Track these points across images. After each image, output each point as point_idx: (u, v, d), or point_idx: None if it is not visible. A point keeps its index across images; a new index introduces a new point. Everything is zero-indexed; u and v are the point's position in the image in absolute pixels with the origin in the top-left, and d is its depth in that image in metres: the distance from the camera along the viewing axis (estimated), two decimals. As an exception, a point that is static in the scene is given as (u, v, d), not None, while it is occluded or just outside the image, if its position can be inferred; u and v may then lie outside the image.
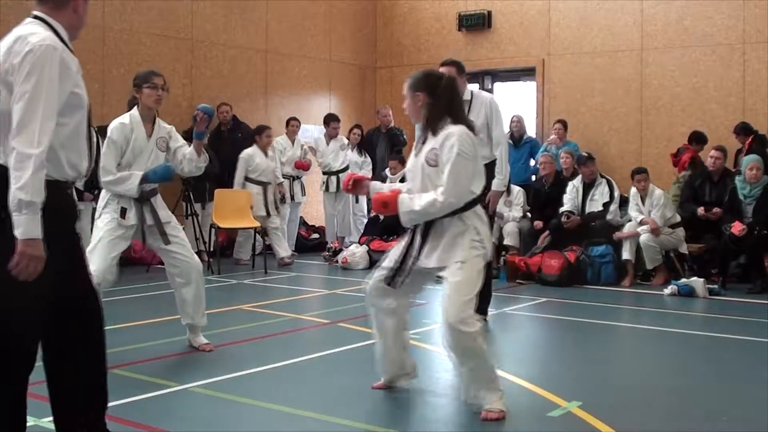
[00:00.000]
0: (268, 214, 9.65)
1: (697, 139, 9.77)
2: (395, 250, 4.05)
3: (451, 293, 3.76)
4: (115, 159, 4.98)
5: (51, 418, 3.65)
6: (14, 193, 2.59)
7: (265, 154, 9.70)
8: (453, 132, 3.82)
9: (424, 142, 3.96)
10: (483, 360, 3.82)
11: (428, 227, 3.90)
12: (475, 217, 3.89)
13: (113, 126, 5.03)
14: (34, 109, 2.66)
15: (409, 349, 4.34)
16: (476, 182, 3.86)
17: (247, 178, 9.62)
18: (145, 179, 4.97)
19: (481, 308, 5.54)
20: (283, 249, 9.64)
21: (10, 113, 2.71)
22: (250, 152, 9.60)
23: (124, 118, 5.06)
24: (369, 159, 10.93)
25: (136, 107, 5.09)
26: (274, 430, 3.68)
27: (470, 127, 3.94)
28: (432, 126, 3.91)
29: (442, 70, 5.39)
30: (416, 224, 3.93)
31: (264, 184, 9.61)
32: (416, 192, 3.93)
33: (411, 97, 3.98)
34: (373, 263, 9.43)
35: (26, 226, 2.58)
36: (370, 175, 10.71)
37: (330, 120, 10.85)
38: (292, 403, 4.02)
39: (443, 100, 3.92)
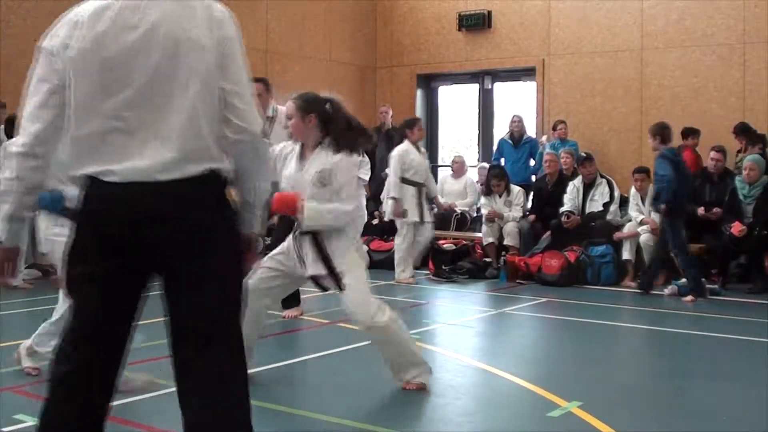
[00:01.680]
0: (422, 220, 8.52)
1: (690, 132, 9.79)
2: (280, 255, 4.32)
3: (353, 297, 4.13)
4: None
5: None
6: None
7: (418, 149, 8.50)
8: (341, 158, 4.12)
9: (302, 158, 4.20)
10: (403, 346, 4.23)
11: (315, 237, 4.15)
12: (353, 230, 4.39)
13: None
14: None
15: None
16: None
17: (401, 178, 8.37)
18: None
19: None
20: (402, 269, 8.48)
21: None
22: (404, 148, 8.37)
23: None
24: (367, 159, 10.90)
25: None
26: (274, 430, 3.68)
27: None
28: (326, 146, 4.15)
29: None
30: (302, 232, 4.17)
31: (419, 185, 8.43)
32: None
33: (301, 118, 4.18)
34: (372, 263, 9.44)
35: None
36: (368, 176, 10.70)
37: None
38: (292, 403, 4.02)
39: (340, 123, 4.19)
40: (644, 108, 10.91)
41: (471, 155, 12.91)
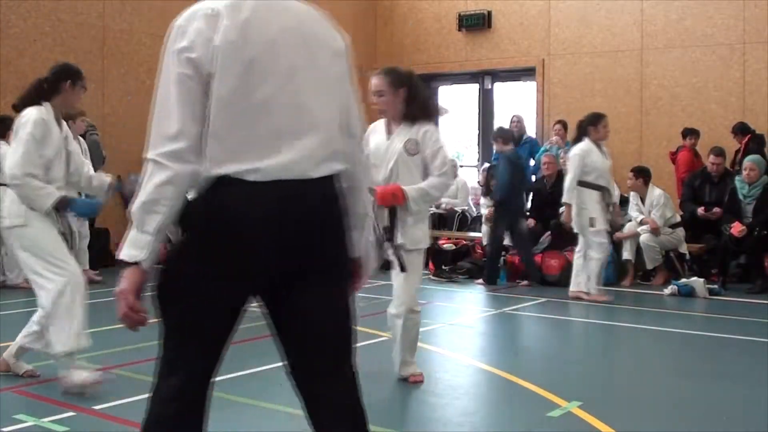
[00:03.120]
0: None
1: (689, 132, 9.80)
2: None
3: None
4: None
5: (51, 418, 3.66)
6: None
7: (600, 149, 7.47)
8: (430, 128, 4.30)
9: (389, 132, 4.36)
10: (415, 340, 4.58)
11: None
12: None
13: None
14: None
15: None
16: None
17: (581, 182, 7.39)
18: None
19: None
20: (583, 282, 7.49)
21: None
22: (586, 147, 7.35)
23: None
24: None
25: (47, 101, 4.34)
26: (274, 430, 3.68)
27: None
28: (409, 119, 4.29)
29: None
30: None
31: (603, 189, 7.40)
32: (386, 172, 4.32)
33: (393, 93, 4.25)
34: (373, 263, 9.43)
35: None
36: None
37: None
38: (292, 403, 4.01)
39: (421, 95, 4.34)
40: (644, 108, 10.92)
41: (471, 155, 12.91)
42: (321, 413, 2.26)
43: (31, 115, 4.18)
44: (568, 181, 7.36)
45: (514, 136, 8.77)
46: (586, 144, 7.32)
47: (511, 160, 8.28)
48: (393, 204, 4.29)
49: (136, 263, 2.00)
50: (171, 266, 2.06)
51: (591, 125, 7.37)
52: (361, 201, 2.28)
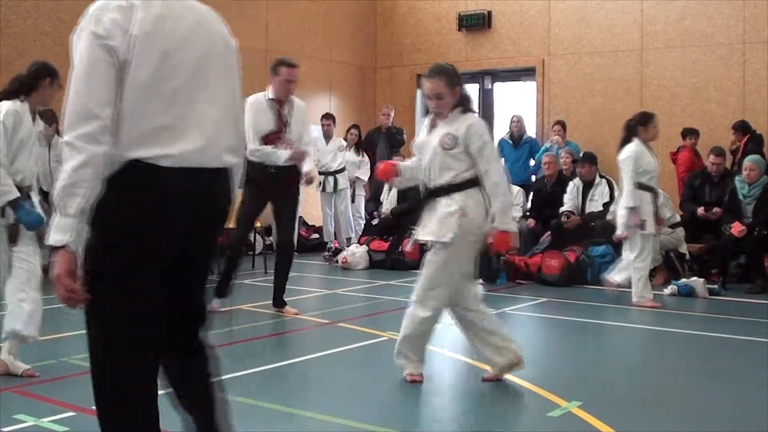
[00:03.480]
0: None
1: (689, 132, 9.80)
2: None
3: None
4: None
5: (51, 418, 3.66)
6: None
7: (650, 149, 7.21)
8: (473, 121, 4.20)
9: (433, 126, 4.31)
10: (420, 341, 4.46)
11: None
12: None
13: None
14: None
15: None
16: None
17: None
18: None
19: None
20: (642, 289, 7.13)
21: None
22: (638, 149, 7.02)
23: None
24: (367, 158, 10.92)
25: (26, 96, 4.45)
26: (274, 430, 3.68)
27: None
28: (450, 113, 4.24)
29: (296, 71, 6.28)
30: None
31: (653, 191, 7.17)
32: (426, 166, 4.28)
33: (451, 93, 4.20)
34: (372, 263, 9.45)
35: None
36: (367, 175, 10.73)
37: (322, 117, 10.89)
38: (292, 403, 4.02)
39: (464, 88, 4.31)
40: (644, 108, 10.87)
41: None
42: (181, 384, 2.60)
43: (4, 106, 4.33)
44: (627, 184, 6.97)
45: None
46: (637, 145, 7.02)
47: None
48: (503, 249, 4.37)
49: (63, 247, 2.11)
50: (98, 241, 2.20)
51: (641, 125, 7.10)
52: (234, 188, 2.48)
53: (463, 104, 4.25)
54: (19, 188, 4.32)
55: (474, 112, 4.33)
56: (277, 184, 6.27)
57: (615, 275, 7.32)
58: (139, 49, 2.18)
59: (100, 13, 2.21)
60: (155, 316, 2.32)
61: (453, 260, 4.23)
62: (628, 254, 7.17)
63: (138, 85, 2.19)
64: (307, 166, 6.38)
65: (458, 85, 4.22)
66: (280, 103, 6.29)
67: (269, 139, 6.20)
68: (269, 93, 6.30)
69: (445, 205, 4.17)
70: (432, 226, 4.21)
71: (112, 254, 2.21)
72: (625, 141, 7.13)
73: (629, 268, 7.13)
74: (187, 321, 2.48)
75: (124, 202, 2.20)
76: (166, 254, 2.28)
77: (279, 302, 6.54)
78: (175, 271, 2.34)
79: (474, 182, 4.20)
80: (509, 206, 4.24)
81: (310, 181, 6.47)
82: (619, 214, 7.12)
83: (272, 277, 8.57)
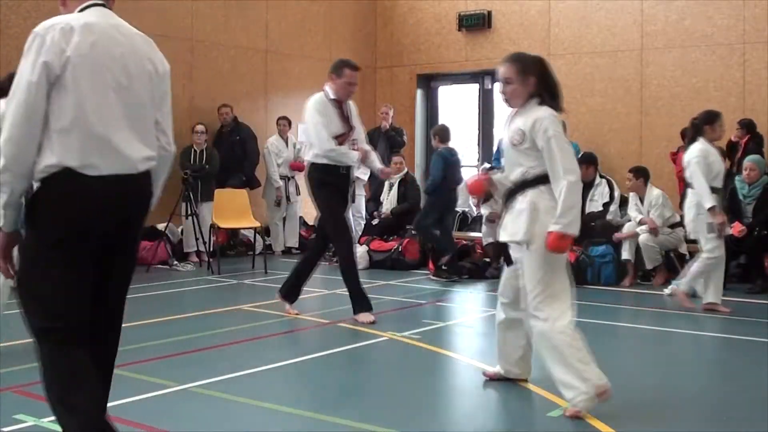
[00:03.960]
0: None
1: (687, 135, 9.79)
2: None
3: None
4: None
5: (51, 418, 3.66)
6: None
7: (715, 149, 6.92)
8: (541, 115, 3.90)
9: (511, 122, 4.07)
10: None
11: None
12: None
13: None
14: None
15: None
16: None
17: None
18: None
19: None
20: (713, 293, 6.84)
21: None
22: (705, 148, 6.75)
23: None
24: (367, 159, 10.91)
25: None
26: (274, 430, 3.68)
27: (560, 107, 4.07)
28: (526, 104, 4.01)
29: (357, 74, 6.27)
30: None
31: (720, 192, 6.95)
32: (508, 167, 4.12)
33: (522, 81, 3.98)
34: (372, 263, 9.45)
35: None
36: (368, 175, 10.72)
37: None
38: (292, 403, 4.02)
39: (550, 82, 4.05)
40: (644, 108, 10.92)
41: (471, 155, 12.92)
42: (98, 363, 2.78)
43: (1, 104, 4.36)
44: (702, 186, 6.62)
45: (450, 135, 9.26)
46: (704, 144, 6.73)
47: (444, 157, 8.75)
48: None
49: None
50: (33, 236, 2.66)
51: (707, 124, 6.81)
52: (153, 189, 2.89)
53: (541, 96, 3.99)
54: None
55: (553, 105, 4.00)
56: (348, 185, 6.27)
57: (706, 300, 6.88)
58: (72, 69, 2.58)
59: (44, 33, 2.62)
60: (73, 296, 2.67)
61: (539, 260, 3.91)
62: (701, 261, 6.82)
63: (68, 102, 2.58)
64: (377, 164, 6.44)
65: (533, 75, 3.97)
66: (340, 103, 6.25)
67: (339, 140, 6.15)
68: (330, 93, 6.23)
69: (519, 203, 3.98)
70: (508, 226, 4.02)
71: (42, 240, 2.65)
72: (691, 140, 6.88)
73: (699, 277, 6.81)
74: (101, 314, 2.81)
75: (55, 201, 2.61)
76: (86, 243, 2.67)
77: (365, 306, 6.19)
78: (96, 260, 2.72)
79: (548, 178, 3.94)
80: (569, 208, 3.82)
81: (388, 175, 6.78)
82: (689, 216, 6.85)
83: (272, 277, 8.60)
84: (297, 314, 6.34)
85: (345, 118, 6.24)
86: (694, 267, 6.85)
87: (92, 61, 2.61)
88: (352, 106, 6.41)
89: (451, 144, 9.07)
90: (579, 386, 3.78)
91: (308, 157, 6.34)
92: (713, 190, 6.71)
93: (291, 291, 6.37)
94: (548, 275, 3.89)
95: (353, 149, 6.19)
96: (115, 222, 2.71)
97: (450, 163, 8.81)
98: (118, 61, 2.69)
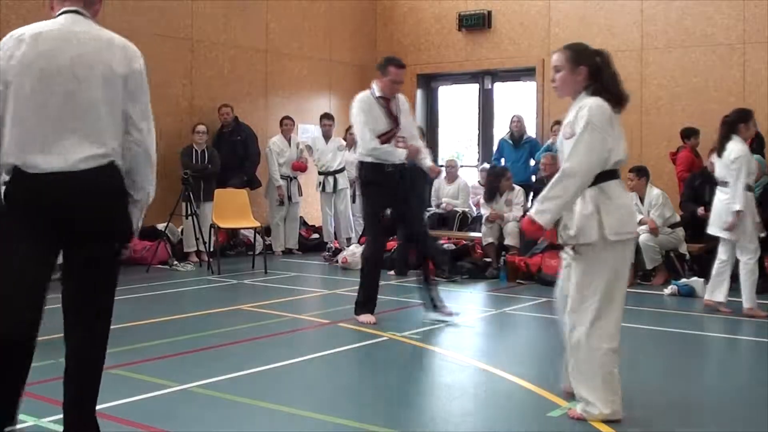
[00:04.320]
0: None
1: (689, 133, 9.79)
2: None
3: None
4: None
5: (51, 418, 3.66)
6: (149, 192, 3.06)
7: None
8: (585, 103, 3.73)
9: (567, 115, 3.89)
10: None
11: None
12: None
13: None
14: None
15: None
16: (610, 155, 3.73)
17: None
18: None
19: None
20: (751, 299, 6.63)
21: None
22: (744, 148, 6.65)
23: None
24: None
25: None
26: (274, 430, 3.68)
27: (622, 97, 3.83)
28: (578, 96, 3.84)
29: (403, 71, 6.29)
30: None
31: (753, 191, 6.83)
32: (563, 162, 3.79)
33: (571, 70, 3.81)
34: (373, 263, 9.44)
35: None
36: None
37: (322, 117, 10.90)
38: (292, 403, 4.02)
39: (608, 78, 3.83)
40: (644, 108, 10.91)
41: (471, 155, 12.92)
42: (67, 360, 3.08)
43: None
44: (740, 187, 6.52)
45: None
46: (742, 143, 6.59)
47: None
48: (536, 234, 3.84)
49: None
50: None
51: (742, 122, 6.64)
52: (135, 187, 3.03)
53: (594, 86, 3.79)
54: None
55: (606, 95, 3.77)
56: (395, 183, 6.19)
57: (715, 295, 6.82)
58: (20, 74, 2.83)
59: (5, 42, 2.89)
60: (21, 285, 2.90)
61: (589, 264, 3.72)
62: (720, 266, 6.80)
63: (14, 105, 2.83)
64: (428, 161, 6.34)
65: (585, 65, 3.78)
66: (387, 100, 6.25)
67: (384, 137, 6.14)
68: (376, 91, 6.26)
69: (578, 204, 3.72)
70: (566, 227, 3.79)
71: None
72: (725, 139, 6.72)
73: (745, 281, 6.65)
74: (69, 311, 3.02)
75: (8, 194, 2.89)
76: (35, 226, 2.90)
77: (370, 308, 6.19)
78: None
79: (604, 175, 3.71)
80: (548, 198, 3.66)
81: (437, 173, 6.70)
82: (725, 215, 6.73)
83: (272, 277, 8.60)
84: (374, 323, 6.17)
85: (391, 115, 6.21)
86: (743, 278, 6.65)
87: (38, 69, 2.83)
88: (402, 101, 6.38)
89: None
90: (601, 410, 3.70)
91: (356, 155, 6.37)
92: (747, 188, 6.66)
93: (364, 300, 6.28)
94: (598, 281, 3.69)
95: (399, 146, 6.16)
96: (58, 218, 2.88)
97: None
98: (67, 68, 2.86)
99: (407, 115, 6.39)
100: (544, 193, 3.70)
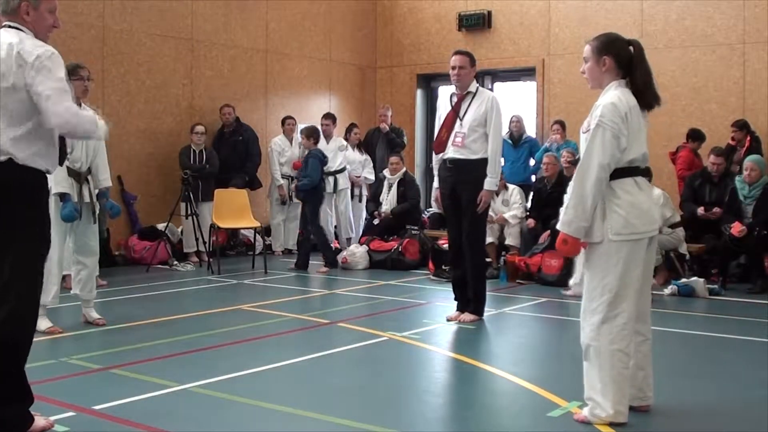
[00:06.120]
0: None
1: (695, 136, 9.80)
2: None
3: None
4: None
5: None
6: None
7: None
8: (604, 100, 3.69)
9: None
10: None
11: None
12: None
13: None
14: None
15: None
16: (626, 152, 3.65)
17: None
18: None
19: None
20: None
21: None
22: None
23: None
24: (370, 158, 10.92)
25: None
26: (274, 430, 3.68)
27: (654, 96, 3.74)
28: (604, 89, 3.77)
29: (454, 58, 6.05)
30: None
31: None
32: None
33: (596, 60, 3.74)
34: (372, 263, 9.45)
35: None
36: (372, 174, 10.72)
37: (322, 117, 10.88)
38: (292, 403, 4.02)
39: (640, 69, 3.73)
40: (644, 108, 10.89)
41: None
42: None
43: None
44: None
45: (320, 134, 9.65)
46: None
47: (320, 159, 9.21)
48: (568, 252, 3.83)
49: None
50: None
51: None
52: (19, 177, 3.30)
53: (622, 80, 3.72)
54: None
55: (633, 87, 3.71)
56: (455, 178, 6.16)
57: None
58: None
59: None
60: None
61: (597, 264, 3.67)
62: None
63: None
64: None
65: (609, 56, 3.69)
66: (460, 97, 6.17)
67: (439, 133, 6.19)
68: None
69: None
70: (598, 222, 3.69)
71: None
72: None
73: None
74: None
75: None
76: None
77: (479, 310, 6.29)
78: None
79: (616, 173, 3.65)
80: (568, 206, 3.71)
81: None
82: None
83: (272, 277, 8.60)
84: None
85: (454, 110, 6.14)
86: None
87: None
88: (483, 97, 6.15)
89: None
90: (608, 411, 3.63)
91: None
92: None
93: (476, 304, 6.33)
94: (602, 282, 3.63)
95: (456, 144, 6.10)
96: None
97: (323, 164, 9.32)
98: None
99: (480, 113, 6.12)
100: (565, 203, 3.69)
